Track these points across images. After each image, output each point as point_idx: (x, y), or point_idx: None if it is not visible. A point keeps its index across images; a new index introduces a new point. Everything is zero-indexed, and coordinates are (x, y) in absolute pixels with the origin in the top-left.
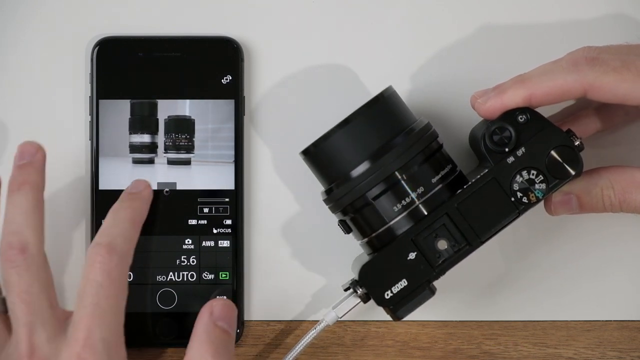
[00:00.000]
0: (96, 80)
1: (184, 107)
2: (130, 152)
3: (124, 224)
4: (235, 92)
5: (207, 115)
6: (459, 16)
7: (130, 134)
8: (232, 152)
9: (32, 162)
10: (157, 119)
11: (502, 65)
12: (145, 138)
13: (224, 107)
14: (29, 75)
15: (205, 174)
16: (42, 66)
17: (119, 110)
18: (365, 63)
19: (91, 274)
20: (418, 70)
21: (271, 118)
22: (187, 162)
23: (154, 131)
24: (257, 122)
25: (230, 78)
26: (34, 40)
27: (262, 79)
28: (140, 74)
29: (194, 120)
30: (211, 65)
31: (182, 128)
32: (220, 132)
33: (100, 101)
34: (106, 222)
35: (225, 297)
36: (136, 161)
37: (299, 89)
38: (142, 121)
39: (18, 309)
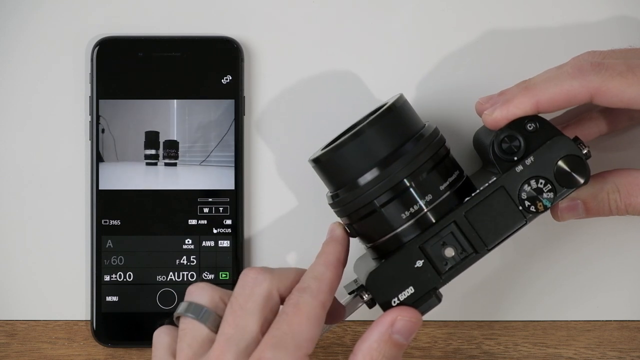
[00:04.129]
0: (96, 80)
1: (173, 131)
2: (145, 159)
3: (317, 267)
4: (235, 92)
5: (204, 117)
6: (463, 20)
7: (144, 149)
8: (202, 158)
9: None
10: (159, 142)
11: (506, 70)
12: (152, 151)
13: (221, 109)
14: (29, 75)
15: (198, 174)
16: (42, 66)
17: (122, 115)
18: (364, 63)
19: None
20: (420, 73)
21: (271, 118)
22: (174, 164)
23: (157, 148)
24: (257, 122)
25: (230, 78)
26: (34, 40)
27: (262, 79)
28: (140, 74)
29: (179, 142)
30: (211, 65)
31: (172, 146)
32: (198, 141)
33: (100, 101)
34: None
35: (413, 307)
36: (148, 164)
37: (299, 89)
38: (151, 142)
39: None
